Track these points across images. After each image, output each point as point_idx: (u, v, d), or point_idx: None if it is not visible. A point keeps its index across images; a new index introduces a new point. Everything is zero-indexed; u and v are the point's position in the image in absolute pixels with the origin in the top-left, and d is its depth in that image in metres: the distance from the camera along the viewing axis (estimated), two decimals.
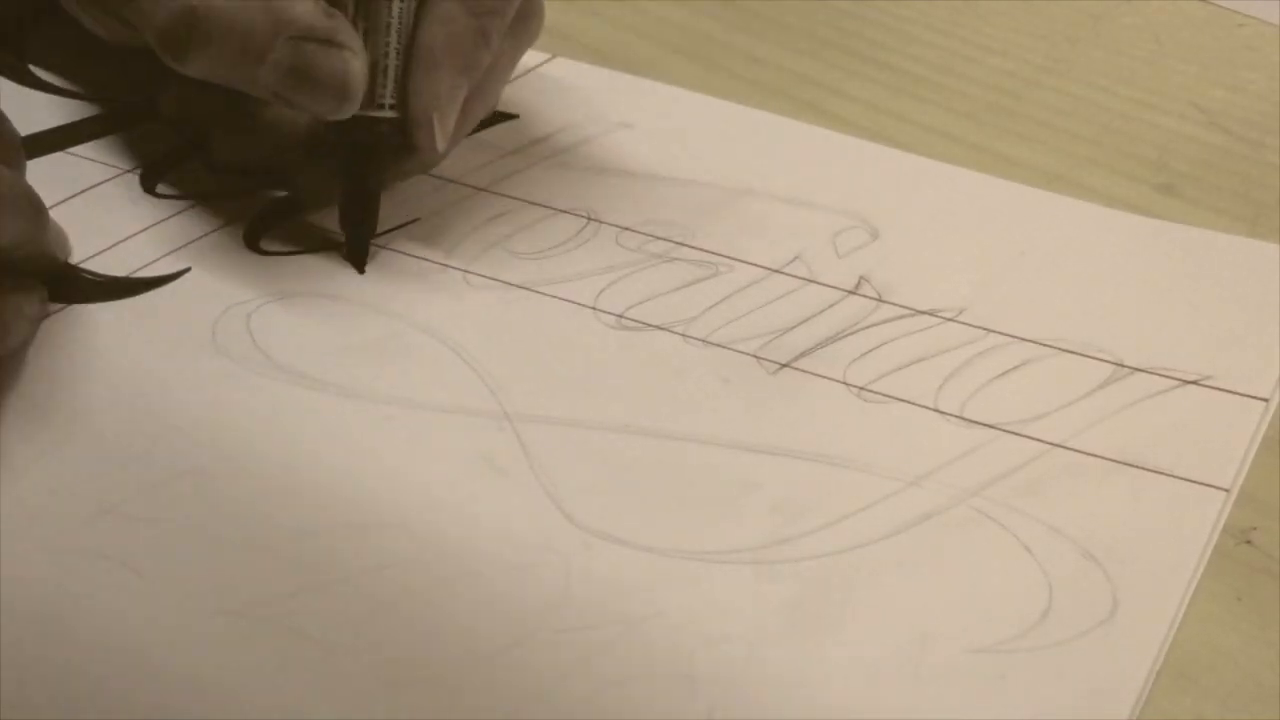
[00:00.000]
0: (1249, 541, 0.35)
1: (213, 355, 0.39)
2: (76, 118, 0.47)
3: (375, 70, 0.41)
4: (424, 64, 0.41)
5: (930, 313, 0.41)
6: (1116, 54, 0.55)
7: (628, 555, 0.34)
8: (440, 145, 0.42)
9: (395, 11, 0.41)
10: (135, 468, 0.35)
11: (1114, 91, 0.52)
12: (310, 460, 0.36)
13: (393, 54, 0.41)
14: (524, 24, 0.45)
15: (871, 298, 0.42)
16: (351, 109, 0.41)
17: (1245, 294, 0.42)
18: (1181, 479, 0.36)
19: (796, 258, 0.43)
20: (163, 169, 0.45)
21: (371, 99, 0.41)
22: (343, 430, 0.37)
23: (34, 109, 0.48)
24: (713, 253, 0.43)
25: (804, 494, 0.36)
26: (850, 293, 0.42)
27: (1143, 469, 0.36)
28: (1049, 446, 0.37)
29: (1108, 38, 0.56)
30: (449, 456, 0.36)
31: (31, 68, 0.50)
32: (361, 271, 0.42)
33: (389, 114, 0.41)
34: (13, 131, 0.39)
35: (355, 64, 0.40)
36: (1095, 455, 0.37)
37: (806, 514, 0.35)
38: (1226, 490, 0.36)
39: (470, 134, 0.45)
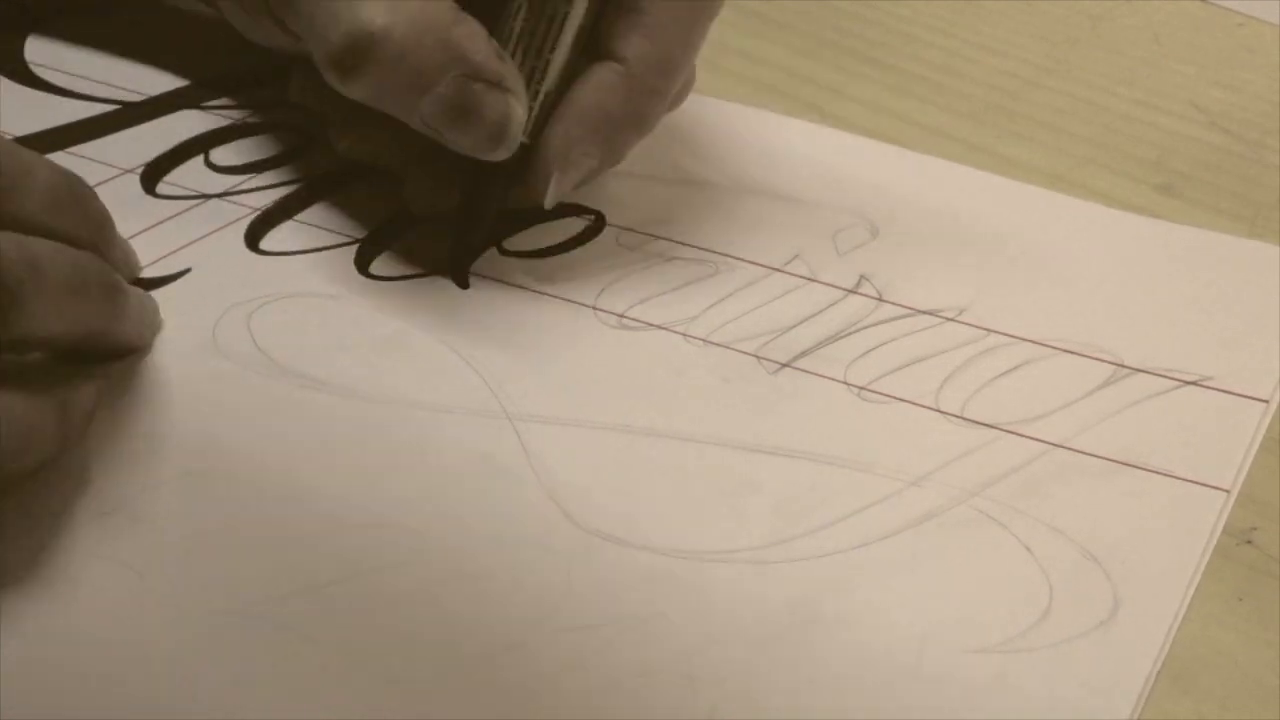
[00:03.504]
0: (1249, 542, 0.35)
1: (213, 355, 0.39)
2: (76, 118, 0.47)
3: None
4: (564, 121, 0.41)
5: (931, 312, 0.41)
6: (1116, 54, 0.55)
7: (628, 555, 0.34)
8: (548, 204, 0.41)
9: (562, 47, 0.40)
10: (135, 468, 0.35)
11: (1114, 91, 0.52)
12: (310, 460, 0.36)
13: (543, 91, 0.40)
14: (679, 94, 0.44)
15: (872, 297, 0.42)
16: (503, 154, 0.40)
17: (1245, 295, 0.42)
18: (1182, 479, 0.36)
19: (796, 256, 0.43)
20: (163, 169, 0.45)
21: None
22: (343, 430, 0.37)
23: (34, 109, 0.48)
24: (713, 252, 0.43)
25: (804, 494, 0.35)
26: (850, 292, 0.42)
27: (1143, 469, 0.36)
28: (1049, 446, 0.37)
29: (1108, 38, 0.56)
30: (449, 456, 0.36)
31: (32, 67, 0.50)
32: (464, 287, 0.41)
33: (524, 139, 0.40)
34: (99, 209, 0.37)
35: (518, 111, 0.39)
36: (1096, 455, 0.37)
37: (806, 514, 0.35)
38: (1227, 491, 0.36)
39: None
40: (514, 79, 0.40)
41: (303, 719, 0.30)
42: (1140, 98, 0.52)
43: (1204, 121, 0.51)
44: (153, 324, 0.39)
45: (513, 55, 0.40)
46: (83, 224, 0.36)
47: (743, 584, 0.33)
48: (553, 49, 0.40)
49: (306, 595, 0.32)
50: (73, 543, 0.33)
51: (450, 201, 0.42)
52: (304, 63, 0.43)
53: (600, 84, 0.41)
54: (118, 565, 0.33)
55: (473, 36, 0.39)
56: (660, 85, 0.42)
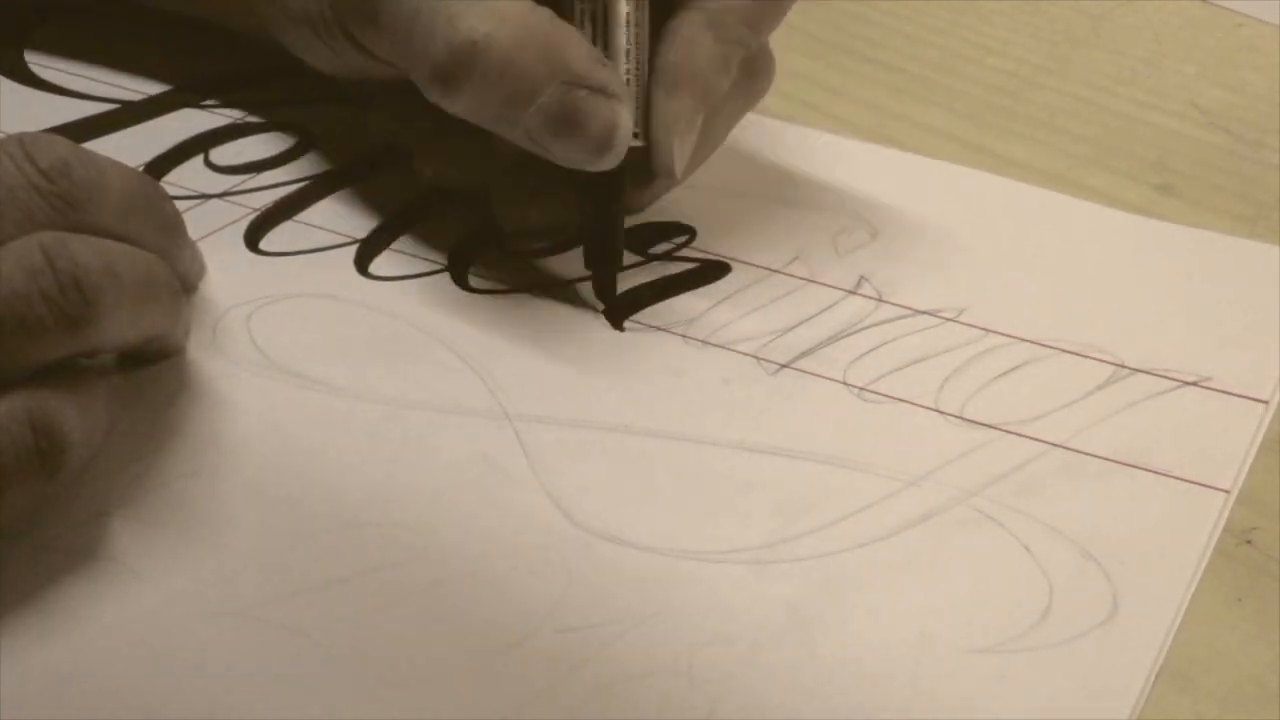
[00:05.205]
0: (1249, 542, 0.35)
1: (213, 355, 0.39)
2: (76, 117, 0.47)
3: None
4: (665, 86, 0.40)
5: (930, 313, 0.41)
6: (1116, 54, 0.55)
7: (628, 555, 0.34)
8: (679, 170, 0.40)
9: (631, 37, 0.40)
10: (134, 469, 0.35)
11: (1114, 91, 0.52)
12: (310, 460, 0.36)
13: (632, 81, 0.40)
14: (753, 80, 0.44)
15: (872, 297, 0.42)
16: (611, 163, 0.39)
17: (1245, 295, 0.42)
18: (1182, 480, 0.36)
19: (796, 258, 0.43)
20: (163, 169, 0.45)
21: None
22: (342, 430, 0.37)
23: (34, 109, 0.48)
24: (713, 253, 0.43)
25: (804, 494, 0.36)
26: (850, 292, 0.42)
27: (1143, 469, 0.36)
28: (1049, 446, 0.37)
29: (1108, 38, 0.56)
30: (449, 456, 0.36)
31: (32, 67, 0.50)
32: (610, 305, 0.41)
33: (636, 143, 0.40)
34: (171, 212, 0.37)
35: (624, 116, 0.39)
36: (1095, 455, 0.37)
37: (806, 514, 0.35)
38: (1227, 491, 0.36)
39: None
40: (618, 84, 0.39)
41: (303, 719, 0.30)
42: (1140, 98, 0.52)
43: (1204, 121, 0.51)
44: (188, 325, 0.39)
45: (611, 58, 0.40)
46: (154, 229, 0.36)
47: (743, 584, 0.33)
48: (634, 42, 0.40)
49: (306, 595, 0.32)
50: (73, 543, 0.33)
51: (542, 215, 0.42)
52: (379, 96, 0.43)
53: (686, 36, 0.40)
54: (118, 565, 0.33)
55: (573, 43, 0.39)
56: (742, 35, 0.41)
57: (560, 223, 0.42)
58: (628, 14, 0.40)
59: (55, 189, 0.34)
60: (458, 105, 0.39)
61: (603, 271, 0.41)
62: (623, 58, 0.40)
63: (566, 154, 0.39)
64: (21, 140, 0.34)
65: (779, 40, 0.54)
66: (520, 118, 0.38)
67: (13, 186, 0.33)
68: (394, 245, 0.43)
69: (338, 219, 0.44)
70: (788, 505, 0.35)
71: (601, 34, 0.40)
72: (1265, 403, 0.38)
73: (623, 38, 0.40)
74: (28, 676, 0.31)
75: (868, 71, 0.53)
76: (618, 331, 0.40)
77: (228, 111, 0.48)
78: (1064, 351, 0.40)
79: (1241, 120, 0.51)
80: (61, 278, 0.32)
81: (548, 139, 0.38)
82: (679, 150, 0.40)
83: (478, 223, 0.43)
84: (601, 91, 0.38)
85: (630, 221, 0.44)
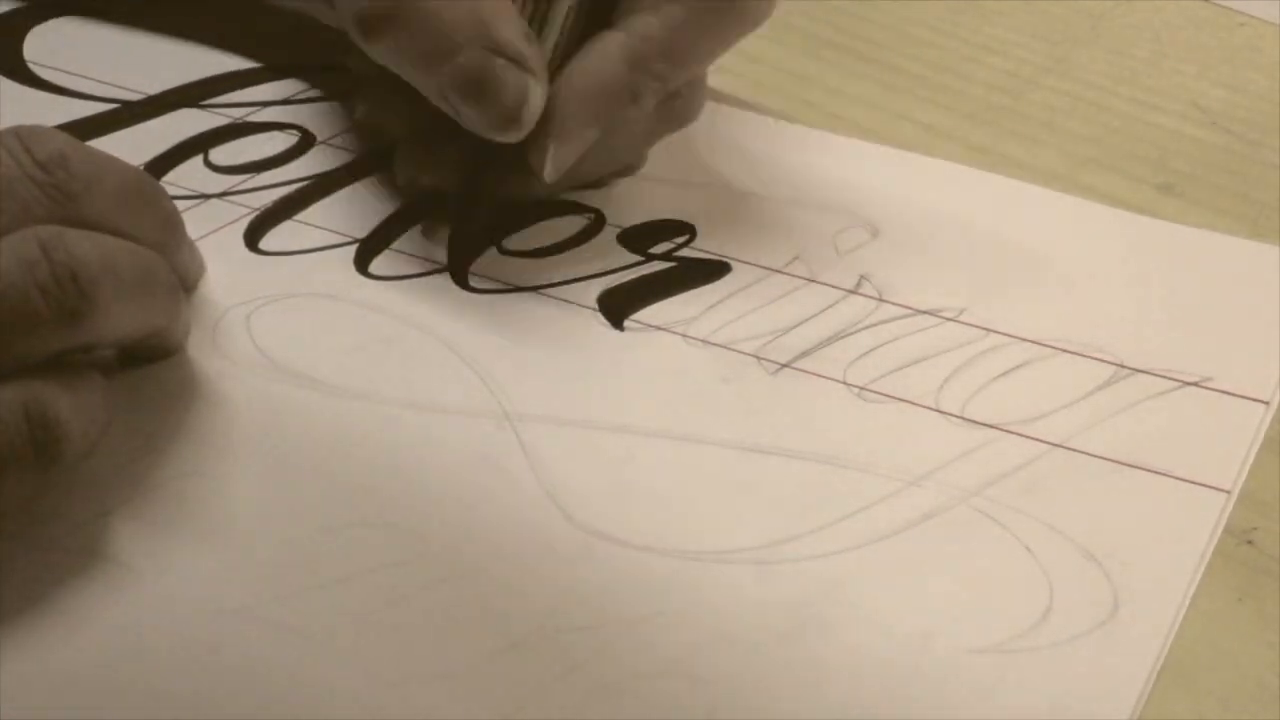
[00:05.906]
0: (1250, 542, 0.35)
1: (213, 355, 0.39)
2: (76, 117, 0.47)
3: None
4: (562, 92, 0.40)
5: (930, 313, 0.41)
6: (1116, 54, 0.55)
7: (628, 555, 0.34)
8: (549, 177, 0.41)
9: (566, 30, 0.41)
10: (135, 468, 0.35)
11: (1114, 91, 0.52)
12: (310, 461, 0.36)
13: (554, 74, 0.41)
14: (682, 107, 0.44)
15: (872, 297, 0.42)
16: (515, 136, 0.40)
17: (1246, 295, 0.42)
18: (1182, 480, 0.36)
19: (797, 258, 0.43)
20: (162, 168, 0.45)
21: None
22: (343, 430, 0.37)
23: (34, 109, 0.48)
24: (713, 252, 0.43)
25: (804, 494, 0.36)
26: (850, 292, 0.42)
27: (1143, 470, 0.36)
28: (1050, 446, 0.37)
29: (1108, 38, 0.56)
30: (449, 456, 0.36)
31: (32, 66, 0.50)
32: (465, 287, 0.41)
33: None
34: (169, 209, 0.37)
35: (537, 92, 0.39)
36: (1096, 456, 0.37)
37: (806, 514, 0.35)
38: (1227, 491, 0.36)
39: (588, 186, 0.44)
40: (538, 63, 0.40)
41: (303, 719, 0.30)
42: (1140, 97, 0.52)
43: (1204, 121, 0.51)
44: (188, 325, 0.39)
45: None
46: (152, 224, 0.36)
47: (742, 584, 0.33)
48: (558, 31, 0.41)
49: (307, 595, 0.32)
50: (73, 543, 0.33)
51: (436, 180, 0.43)
52: (365, 86, 0.44)
53: (600, 53, 0.41)
54: (118, 565, 0.33)
55: (504, 14, 0.39)
56: (660, 69, 0.41)
57: (444, 189, 0.43)
58: (570, 7, 0.41)
59: (52, 180, 0.34)
60: (377, 52, 0.40)
61: (457, 242, 0.42)
62: (551, 46, 0.41)
63: (475, 118, 0.40)
64: (18, 132, 0.34)
65: (780, 39, 0.54)
66: (437, 74, 0.39)
67: (9, 178, 0.33)
68: (394, 245, 0.43)
69: (338, 219, 0.44)
70: (788, 505, 0.35)
71: (539, 20, 0.41)
72: (1266, 403, 0.38)
73: (557, 30, 0.41)
74: (28, 676, 0.31)
75: (868, 71, 0.53)
76: (618, 331, 0.40)
77: (228, 111, 0.48)
78: (1064, 351, 0.40)
79: (1242, 120, 0.51)
80: (58, 270, 0.32)
81: (460, 100, 0.39)
82: (552, 160, 0.41)
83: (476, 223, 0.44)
84: (519, 63, 0.39)
85: (629, 221, 0.44)
